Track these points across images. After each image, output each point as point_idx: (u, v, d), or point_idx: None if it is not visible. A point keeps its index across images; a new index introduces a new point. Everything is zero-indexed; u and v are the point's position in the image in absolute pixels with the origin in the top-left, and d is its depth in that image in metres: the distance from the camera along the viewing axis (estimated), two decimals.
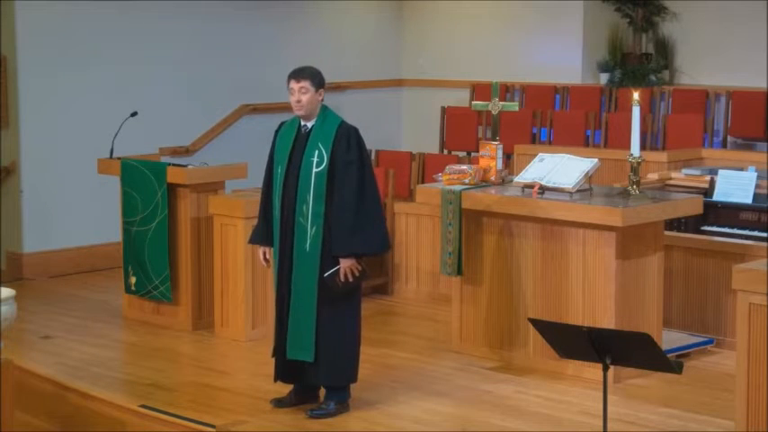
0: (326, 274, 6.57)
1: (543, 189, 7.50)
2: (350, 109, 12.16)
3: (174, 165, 8.79)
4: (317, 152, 6.61)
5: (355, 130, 6.68)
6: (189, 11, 11.40)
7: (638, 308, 7.35)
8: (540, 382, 7.32)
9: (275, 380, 6.85)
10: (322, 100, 6.71)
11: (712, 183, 8.85)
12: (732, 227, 8.57)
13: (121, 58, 10.87)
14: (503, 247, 7.70)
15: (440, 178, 7.96)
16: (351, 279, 6.58)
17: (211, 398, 7.10)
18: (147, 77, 11.04)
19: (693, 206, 7.63)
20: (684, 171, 9.32)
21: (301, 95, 6.63)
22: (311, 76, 6.67)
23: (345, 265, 6.56)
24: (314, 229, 6.60)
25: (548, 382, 7.29)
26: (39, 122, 10.39)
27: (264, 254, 6.88)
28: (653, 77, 12.14)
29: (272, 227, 6.78)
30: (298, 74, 6.68)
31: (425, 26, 13.46)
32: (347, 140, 6.61)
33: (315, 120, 6.69)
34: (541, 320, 5.85)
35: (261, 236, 6.88)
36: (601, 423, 5.51)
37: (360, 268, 6.61)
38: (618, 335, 5.59)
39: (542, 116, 11.89)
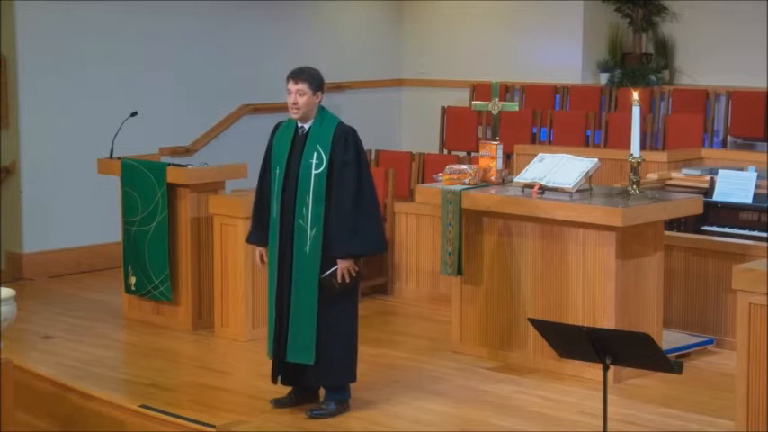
0: (324, 275, 6.57)
1: (543, 189, 7.50)
2: (350, 109, 12.19)
3: (174, 165, 8.79)
4: (315, 154, 6.60)
5: (352, 131, 6.66)
6: (189, 11, 11.40)
7: (638, 308, 7.35)
8: (540, 382, 7.32)
9: (273, 381, 6.85)
10: (319, 102, 6.69)
11: (712, 183, 8.85)
12: (732, 227, 8.57)
13: (121, 58, 10.87)
14: (503, 247, 7.70)
15: (440, 178, 7.96)
16: (348, 280, 6.58)
17: (211, 398, 7.10)
18: (146, 77, 11.04)
19: (693, 206, 7.63)
20: (684, 171, 9.32)
21: (298, 97, 6.60)
22: (309, 78, 6.63)
23: (343, 266, 6.56)
24: (314, 231, 6.59)
25: (548, 382, 7.29)
26: (39, 122, 10.39)
27: (261, 255, 6.87)
28: (653, 77, 12.13)
29: (268, 228, 6.76)
30: (296, 75, 6.64)
31: (425, 26, 13.46)
32: (345, 141, 6.59)
33: (312, 121, 6.68)
34: (541, 320, 5.85)
35: (258, 236, 6.87)
36: (601, 423, 5.51)
37: (357, 269, 6.60)
38: (618, 335, 5.59)
39: (542, 116, 11.89)
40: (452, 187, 7.76)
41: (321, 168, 6.59)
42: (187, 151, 11.35)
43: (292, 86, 6.62)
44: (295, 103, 6.62)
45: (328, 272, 6.56)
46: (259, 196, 6.87)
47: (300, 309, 6.64)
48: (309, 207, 6.59)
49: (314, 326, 6.61)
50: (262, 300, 8.24)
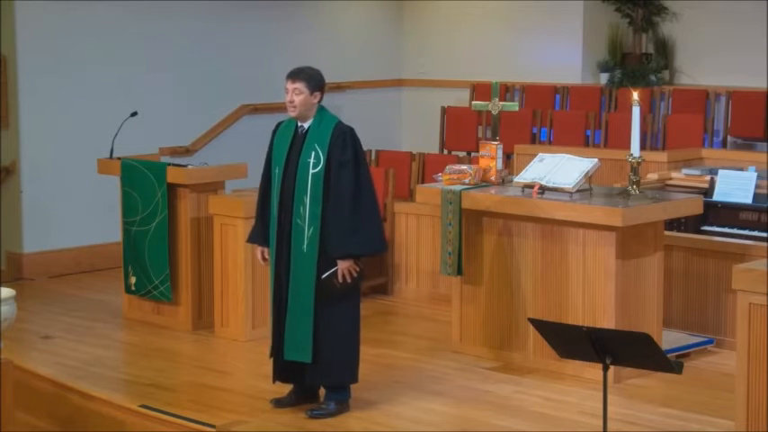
0: (324, 276, 6.57)
1: (543, 189, 7.50)
2: (350, 109, 12.20)
3: (174, 165, 8.79)
4: (313, 153, 6.61)
5: (351, 130, 6.66)
6: (189, 11, 11.40)
7: (638, 308, 7.35)
8: (540, 382, 7.32)
9: (274, 381, 6.85)
10: (318, 102, 6.69)
11: (712, 183, 8.85)
12: (732, 227, 8.57)
13: (121, 58, 10.87)
14: (503, 247, 7.70)
15: (440, 178, 7.96)
16: (349, 280, 6.58)
17: (211, 398, 7.10)
18: (146, 77, 11.04)
19: (693, 206, 7.63)
20: (684, 171, 9.32)
21: (294, 96, 6.62)
22: (307, 78, 6.64)
23: (343, 266, 6.56)
24: (311, 230, 6.60)
25: (548, 382, 7.29)
26: (39, 122, 10.39)
27: (263, 252, 6.88)
28: (653, 77, 12.13)
29: (269, 227, 6.77)
30: (294, 74, 6.66)
31: (425, 26, 13.46)
32: (343, 141, 6.59)
33: (311, 120, 6.68)
34: (541, 320, 5.85)
35: (258, 236, 6.88)
36: (601, 423, 5.51)
37: (357, 269, 6.60)
38: (618, 335, 5.59)
39: (542, 116, 11.89)
40: (452, 187, 7.76)
41: (318, 168, 6.59)
42: (187, 151, 11.35)
43: (290, 85, 6.64)
44: (291, 102, 6.64)
45: (329, 272, 6.56)
46: (260, 196, 6.88)
47: (297, 307, 6.64)
48: (307, 206, 6.60)
49: (311, 324, 6.61)
50: (262, 300, 8.25)
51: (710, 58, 12.09)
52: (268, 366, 6.94)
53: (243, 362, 7.88)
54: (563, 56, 12.54)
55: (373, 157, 10.35)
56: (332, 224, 6.55)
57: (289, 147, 6.71)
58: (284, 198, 6.67)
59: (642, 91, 9.25)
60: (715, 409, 6.74)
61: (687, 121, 11.28)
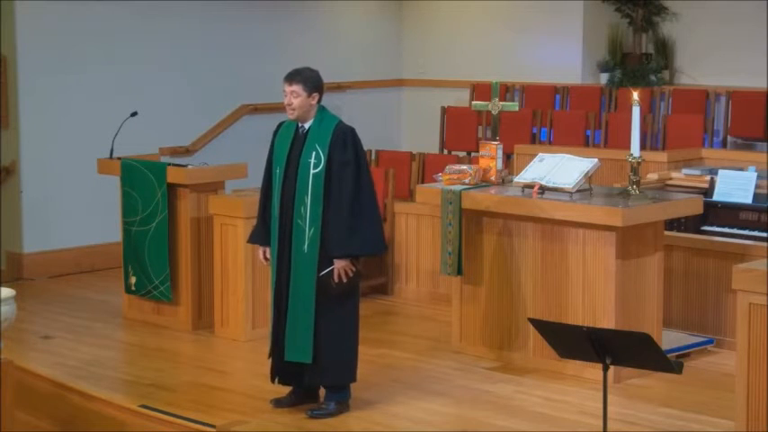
0: (321, 274, 6.57)
1: (543, 189, 7.50)
2: (350, 109, 12.20)
3: (174, 165, 8.79)
4: (314, 153, 6.61)
5: (351, 131, 6.67)
6: (189, 11, 11.40)
7: (638, 308, 7.35)
8: (540, 382, 7.32)
9: (272, 381, 6.85)
10: (316, 103, 6.68)
11: (712, 183, 8.85)
12: (732, 227, 8.57)
13: (121, 57, 10.87)
14: (503, 247, 7.70)
15: (440, 178, 7.97)
16: (344, 280, 6.57)
17: (211, 398, 7.10)
18: (146, 77, 11.04)
19: (693, 206, 7.63)
20: (684, 171, 9.32)
21: (292, 99, 6.62)
22: (304, 80, 6.64)
23: (339, 265, 6.55)
24: (312, 230, 6.60)
25: (548, 382, 7.29)
26: (39, 122, 10.39)
27: (264, 253, 6.88)
28: (653, 77, 12.14)
29: (270, 228, 6.77)
30: (291, 77, 6.66)
31: (426, 26, 13.46)
32: (343, 141, 6.59)
33: (312, 121, 6.69)
34: (541, 320, 5.85)
35: (260, 236, 6.88)
36: (601, 423, 5.51)
37: (354, 269, 6.60)
38: (618, 335, 5.59)
39: (542, 116, 11.89)
40: (452, 187, 7.76)
41: (319, 168, 6.59)
42: (187, 151, 11.35)
43: (287, 88, 6.65)
44: (289, 104, 6.64)
45: (325, 271, 6.56)
46: (263, 195, 6.88)
47: (298, 308, 6.64)
48: (308, 206, 6.60)
49: (311, 325, 6.61)
50: (262, 300, 8.25)
51: (710, 58, 12.09)
52: (268, 366, 6.94)
53: (243, 362, 7.88)
54: (563, 56, 12.54)
55: (373, 157, 10.35)
56: (332, 224, 6.55)
57: (289, 147, 6.71)
58: (285, 199, 6.67)
59: (642, 91, 9.26)
60: (715, 409, 6.74)
61: (687, 121, 11.28)
